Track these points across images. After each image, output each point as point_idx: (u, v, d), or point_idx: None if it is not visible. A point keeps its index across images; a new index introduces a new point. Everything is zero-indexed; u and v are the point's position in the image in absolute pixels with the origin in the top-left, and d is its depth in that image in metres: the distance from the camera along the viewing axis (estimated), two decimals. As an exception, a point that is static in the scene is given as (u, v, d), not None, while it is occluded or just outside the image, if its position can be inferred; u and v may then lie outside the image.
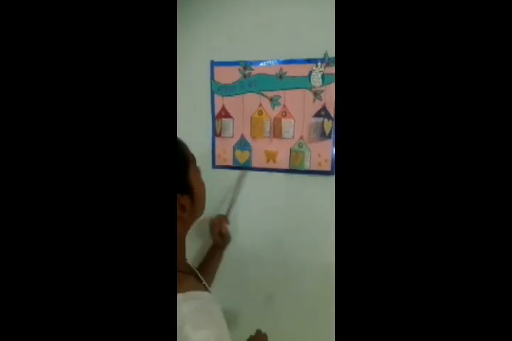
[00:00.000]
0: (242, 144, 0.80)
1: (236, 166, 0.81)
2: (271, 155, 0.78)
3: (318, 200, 0.76)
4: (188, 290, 0.45)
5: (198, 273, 0.56)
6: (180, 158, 0.50)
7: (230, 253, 0.87)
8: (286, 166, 0.77)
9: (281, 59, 0.72)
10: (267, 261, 0.70)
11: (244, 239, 0.85)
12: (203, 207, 0.56)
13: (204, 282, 0.55)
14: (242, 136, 0.79)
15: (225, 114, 0.79)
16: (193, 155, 0.54)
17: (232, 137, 0.80)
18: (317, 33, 0.68)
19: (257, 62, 0.74)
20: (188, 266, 0.55)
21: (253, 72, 0.75)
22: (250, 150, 0.79)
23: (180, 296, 0.42)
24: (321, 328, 0.81)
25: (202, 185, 0.55)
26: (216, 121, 0.80)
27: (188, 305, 0.42)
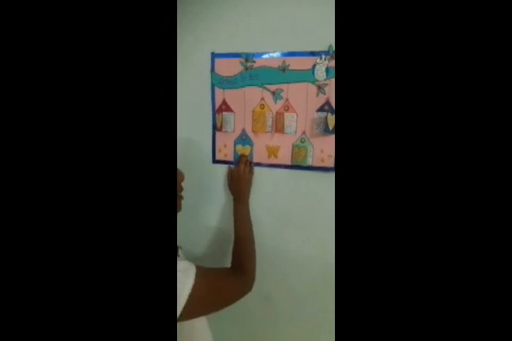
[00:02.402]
0: (244, 139, 0.78)
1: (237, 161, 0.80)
2: (272, 151, 0.77)
3: (321, 197, 0.75)
4: None
5: None
6: None
7: (229, 251, 0.86)
8: (288, 162, 0.76)
9: (285, 51, 0.70)
10: (267, 259, 0.69)
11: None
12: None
13: None
14: (244, 130, 0.77)
15: (225, 107, 0.77)
16: None
17: (233, 131, 0.78)
18: (321, 26, 0.65)
19: (260, 55, 0.72)
20: None
21: (255, 65, 0.72)
22: (251, 145, 0.78)
23: None
24: (321, 328, 0.81)
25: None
26: (217, 114, 0.78)
27: None
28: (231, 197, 0.81)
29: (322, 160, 0.73)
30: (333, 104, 0.69)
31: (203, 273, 0.49)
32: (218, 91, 0.77)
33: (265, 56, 0.71)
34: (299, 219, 0.78)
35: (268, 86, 0.73)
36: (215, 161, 0.82)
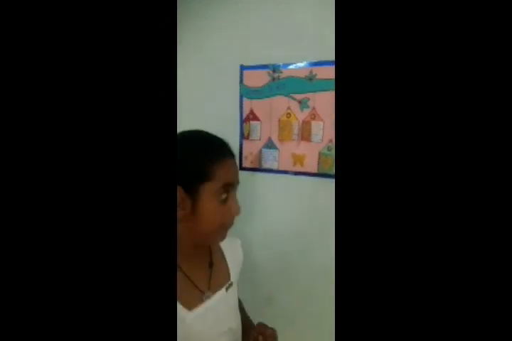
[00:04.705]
0: (270, 146, 0.79)
1: (263, 168, 0.81)
2: (298, 159, 0.77)
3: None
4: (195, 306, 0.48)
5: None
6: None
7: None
8: (314, 170, 0.76)
9: (312, 61, 0.72)
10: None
11: (264, 241, 0.85)
12: (208, 221, 0.46)
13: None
14: (270, 138, 0.79)
15: (253, 117, 0.80)
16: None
17: (260, 140, 0.80)
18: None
19: (287, 65, 0.74)
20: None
21: (282, 75, 0.75)
22: (277, 152, 0.79)
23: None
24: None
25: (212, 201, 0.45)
26: (244, 123, 0.81)
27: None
28: (256, 201, 0.82)
29: (349, 169, 0.72)
30: (360, 112, 0.69)
31: None
32: (246, 101, 0.80)
33: (292, 66, 0.73)
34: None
35: (295, 95, 0.74)
36: (241, 168, 0.84)
